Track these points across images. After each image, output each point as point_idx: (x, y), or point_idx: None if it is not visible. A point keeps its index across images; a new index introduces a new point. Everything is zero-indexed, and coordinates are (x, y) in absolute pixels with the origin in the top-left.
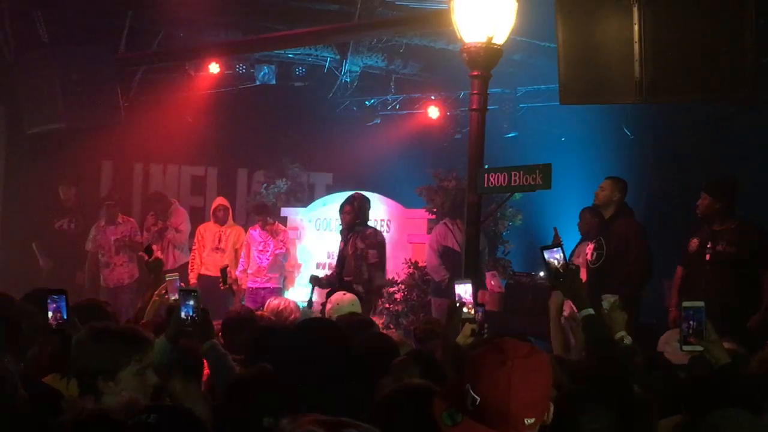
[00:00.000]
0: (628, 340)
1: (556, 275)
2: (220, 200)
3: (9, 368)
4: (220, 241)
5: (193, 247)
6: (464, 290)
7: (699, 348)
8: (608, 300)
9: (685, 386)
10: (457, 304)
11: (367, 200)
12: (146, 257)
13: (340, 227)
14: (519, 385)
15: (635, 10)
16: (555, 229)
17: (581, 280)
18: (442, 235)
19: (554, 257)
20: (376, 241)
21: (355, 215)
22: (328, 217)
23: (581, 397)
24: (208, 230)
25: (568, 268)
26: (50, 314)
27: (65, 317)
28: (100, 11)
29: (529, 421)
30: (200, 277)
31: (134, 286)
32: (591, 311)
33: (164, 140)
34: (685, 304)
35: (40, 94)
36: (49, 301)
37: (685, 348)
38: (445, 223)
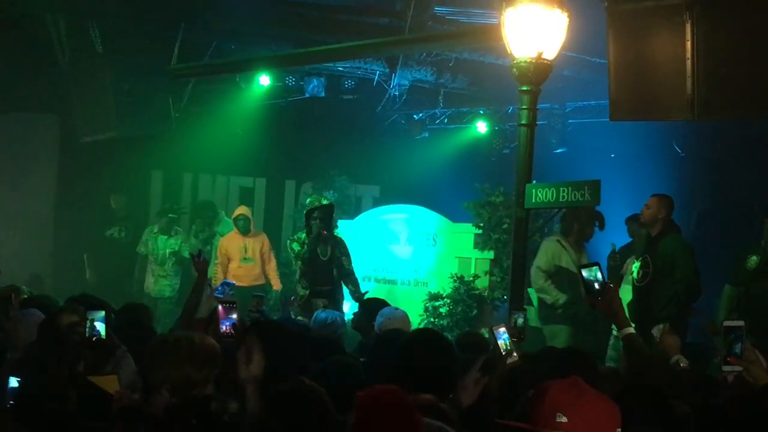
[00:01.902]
0: (684, 363)
1: (595, 294)
2: (241, 209)
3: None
4: (246, 251)
5: (216, 261)
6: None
7: (738, 368)
8: (658, 328)
9: (728, 406)
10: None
11: (333, 208)
12: (196, 258)
13: (303, 236)
14: (557, 386)
15: (688, 26)
16: (613, 245)
17: (620, 299)
18: (555, 254)
19: (593, 276)
20: (346, 249)
21: (326, 224)
22: (374, 230)
23: (623, 415)
24: (231, 242)
25: (607, 286)
26: (87, 329)
27: (103, 335)
28: (154, 23)
29: (561, 418)
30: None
31: (174, 298)
32: (632, 330)
33: (214, 151)
34: (726, 323)
35: (93, 104)
36: (87, 315)
37: (725, 368)
38: (558, 241)
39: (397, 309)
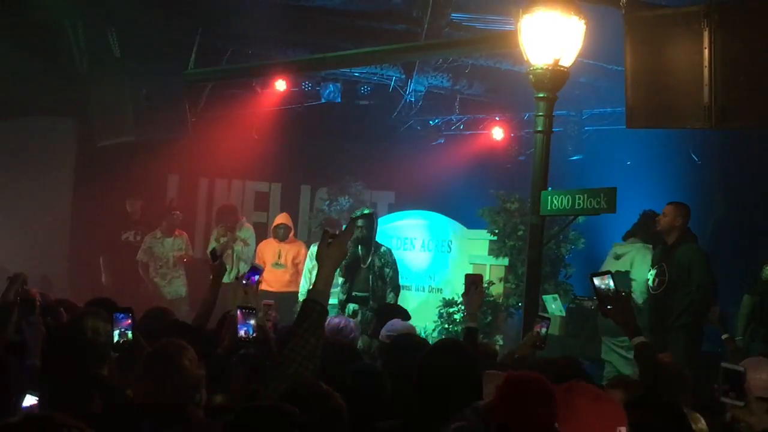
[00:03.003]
0: None
1: (605, 303)
2: (281, 218)
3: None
4: (279, 256)
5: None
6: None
7: (740, 403)
8: None
9: None
10: None
11: (375, 216)
12: (211, 261)
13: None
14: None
15: (706, 34)
16: None
17: (631, 307)
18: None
19: (604, 285)
20: (392, 259)
21: (369, 231)
22: (390, 236)
23: (636, 429)
24: (267, 247)
25: (619, 295)
26: (117, 333)
27: (130, 337)
28: (171, 28)
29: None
30: (261, 293)
31: (189, 298)
32: (643, 339)
33: (230, 155)
34: (724, 365)
35: (110, 108)
36: (114, 318)
37: (724, 399)
38: (650, 248)
39: (397, 321)
